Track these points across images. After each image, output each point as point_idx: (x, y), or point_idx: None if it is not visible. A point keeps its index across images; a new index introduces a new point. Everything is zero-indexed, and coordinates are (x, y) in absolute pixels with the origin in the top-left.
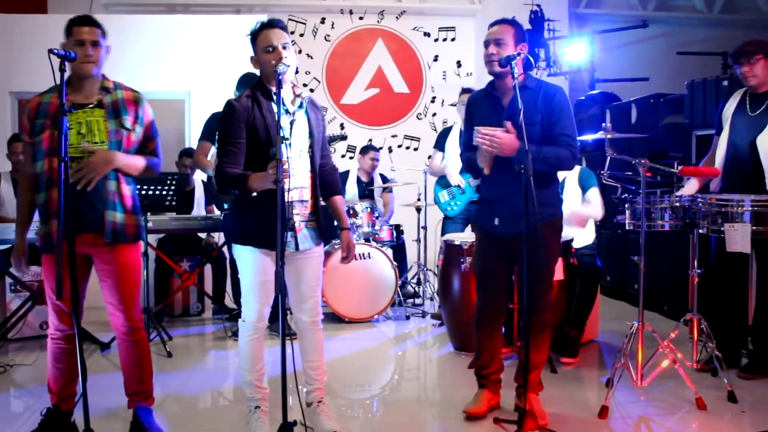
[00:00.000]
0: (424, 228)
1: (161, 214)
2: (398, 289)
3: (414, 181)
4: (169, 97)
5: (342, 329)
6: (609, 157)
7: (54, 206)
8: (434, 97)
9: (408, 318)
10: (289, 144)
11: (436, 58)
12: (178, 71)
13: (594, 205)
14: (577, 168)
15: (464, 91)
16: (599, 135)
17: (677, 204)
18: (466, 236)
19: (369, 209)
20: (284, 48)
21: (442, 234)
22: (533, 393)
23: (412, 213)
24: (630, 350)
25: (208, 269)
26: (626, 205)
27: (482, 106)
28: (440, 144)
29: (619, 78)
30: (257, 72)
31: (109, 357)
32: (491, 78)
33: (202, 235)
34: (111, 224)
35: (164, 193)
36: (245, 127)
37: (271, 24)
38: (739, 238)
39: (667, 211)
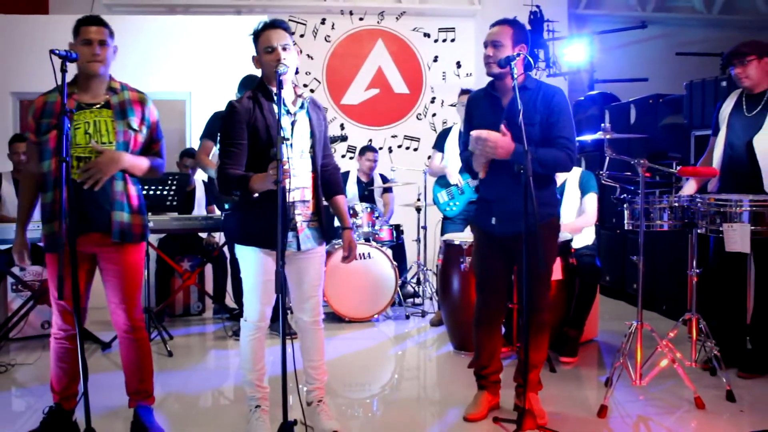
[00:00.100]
0: (424, 228)
1: (162, 214)
2: (398, 288)
3: (414, 181)
4: (170, 98)
5: (342, 329)
6: (608, 158)
7: (60, 205)
8: (434, 98)
9: (408, 318)
10: (290, 144)
11: (435, 59)
12: (179, 72)
13: (587, 215)
14: (578, 170)
15: (463, 92)
16: (598, 135)
17: (676, 204)
18: (465, 236)
19: (369, 209)
20: (284, 49)
21: (442, 234)
22: (532, 392)
23: (411, 213)
24: (629, 350)
25: (208, 269)
26: (625, 205)
27: (482, 106)
28: (440, 144)
29: (618, 78)
30: (258, 74)
31: (110, 356)
32: (491, 78)
33: (203, 235)
34: (118, 224)
35: (165, 193)
36: (247, 128)
37: (274, 24)
38: (738, 237)
39: (665, 211)
